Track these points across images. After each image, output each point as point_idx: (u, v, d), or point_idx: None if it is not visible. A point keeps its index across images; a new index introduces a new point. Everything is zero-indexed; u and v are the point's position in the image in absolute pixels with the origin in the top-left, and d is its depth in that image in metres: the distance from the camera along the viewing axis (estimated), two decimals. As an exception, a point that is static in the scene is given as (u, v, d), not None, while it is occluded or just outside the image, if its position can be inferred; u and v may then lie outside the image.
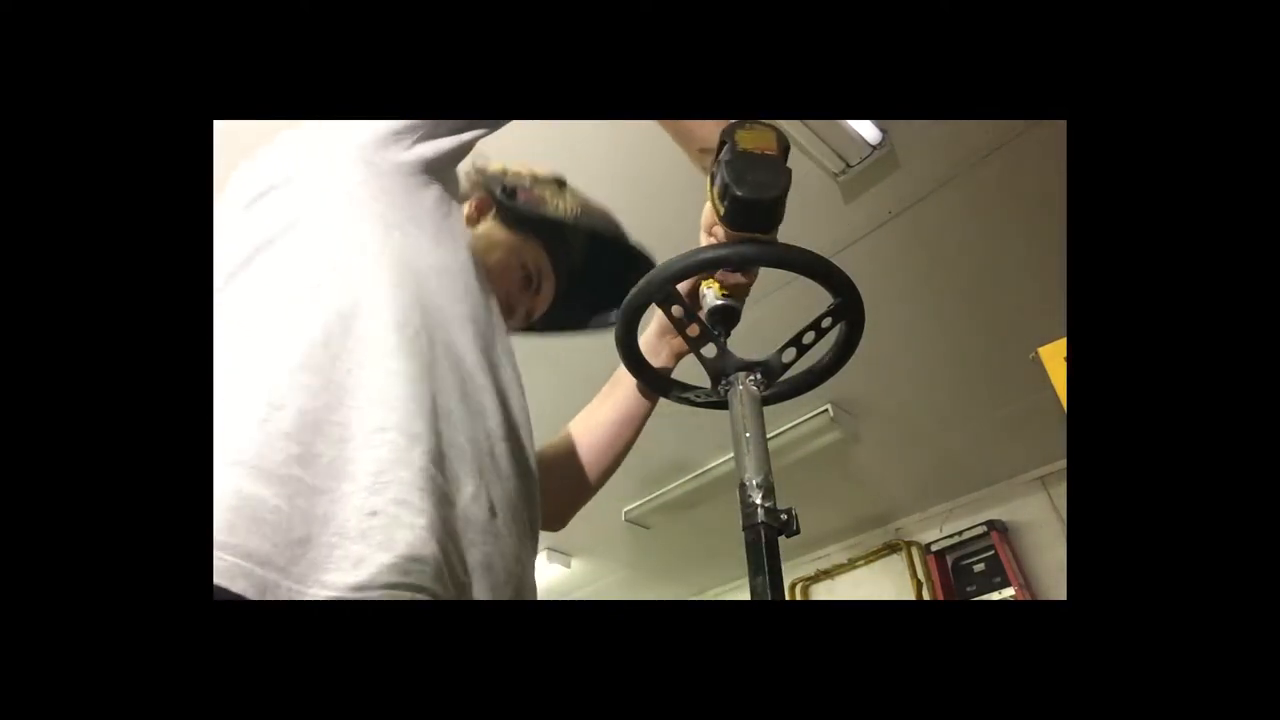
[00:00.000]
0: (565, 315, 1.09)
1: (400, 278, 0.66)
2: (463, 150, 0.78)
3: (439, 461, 0.59)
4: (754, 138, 0.71)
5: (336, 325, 0.59)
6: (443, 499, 0.57)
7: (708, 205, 0.79)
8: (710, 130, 0.73)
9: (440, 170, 0.76)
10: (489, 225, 0.98)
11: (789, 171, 0.70)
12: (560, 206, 1.00)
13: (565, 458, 1.01)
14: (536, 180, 1.02)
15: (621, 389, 1.02)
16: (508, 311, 0.98)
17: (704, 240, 0.81)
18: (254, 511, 0.47)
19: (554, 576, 4.06)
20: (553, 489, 0.96)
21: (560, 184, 1.03)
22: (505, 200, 0.98)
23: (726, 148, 0.72)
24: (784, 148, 0.72)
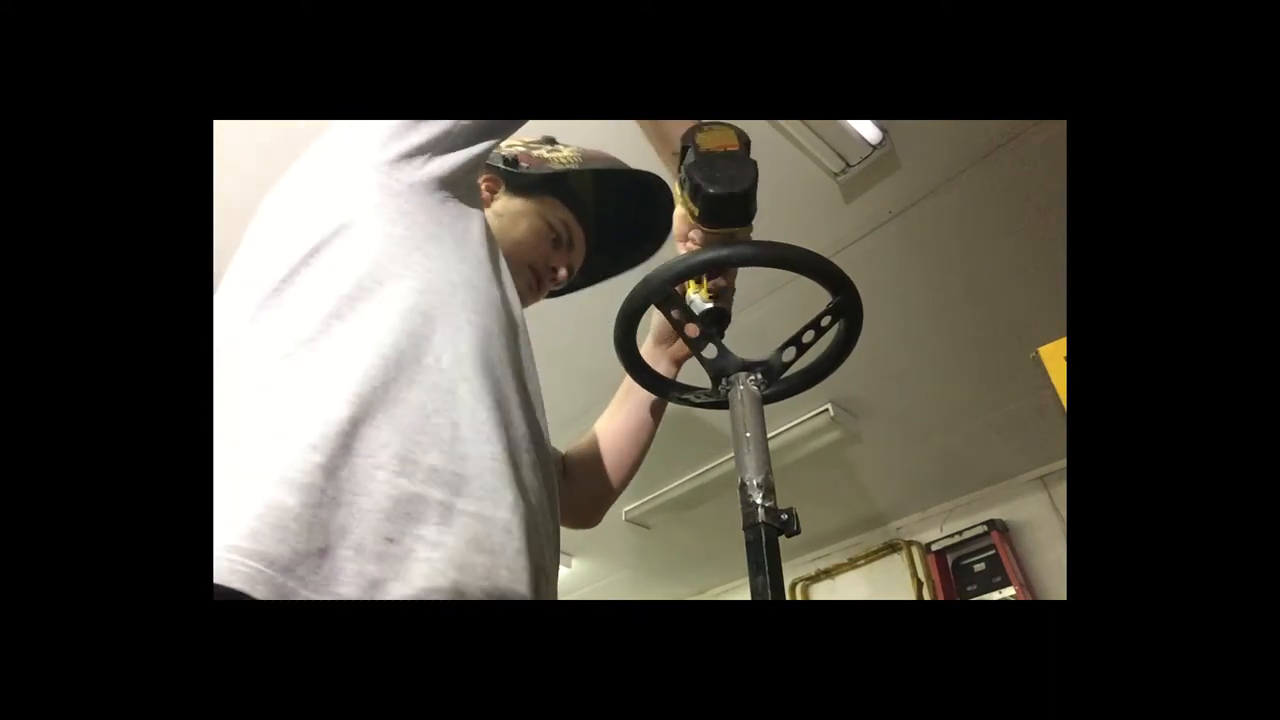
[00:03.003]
0: (598, 262, 1.12)
1: (424, 301, 0.66)
2: (475, 163, 0.78)
3: (458, 488, 0.59)
4: (715, 137, 0.72)
5: (356, 349, 0.60)
6: (464, 527, 0.57)
7: (679, 213, 0.80)
8: (679, 133, 0.73)
9: (455, 185, 0.76)
10: (504, 201, 1.00)
11: (754, 163, 0.71)
12: (561, 158, 1.02)
13: (593, 462, 1.04)
14: (529, 144, 1.04)
15: (635, 397, 1.04)
16: (550, 276, 1.01)
17: (681, 249, 0.82)
18: (279, 519, 0.48)
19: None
20: (583, 491, 1.02)
21: (551, 140, 1.06)
22: (510, 170, 1.00)
23: (690, 151, 0.72)
24: (745, 142, 0.72)
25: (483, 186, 0.99)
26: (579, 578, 4.22)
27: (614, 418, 1.06)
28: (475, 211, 0.80)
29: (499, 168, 1.00)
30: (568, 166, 1.01)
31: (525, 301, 1.01)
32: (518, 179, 1.00)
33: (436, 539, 0.55)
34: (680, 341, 1.01)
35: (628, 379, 1.01)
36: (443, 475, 0.58)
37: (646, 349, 1.02)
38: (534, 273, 1.00)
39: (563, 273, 1.02)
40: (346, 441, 0.55)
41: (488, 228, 0.81)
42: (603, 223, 1.10)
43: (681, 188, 0.75)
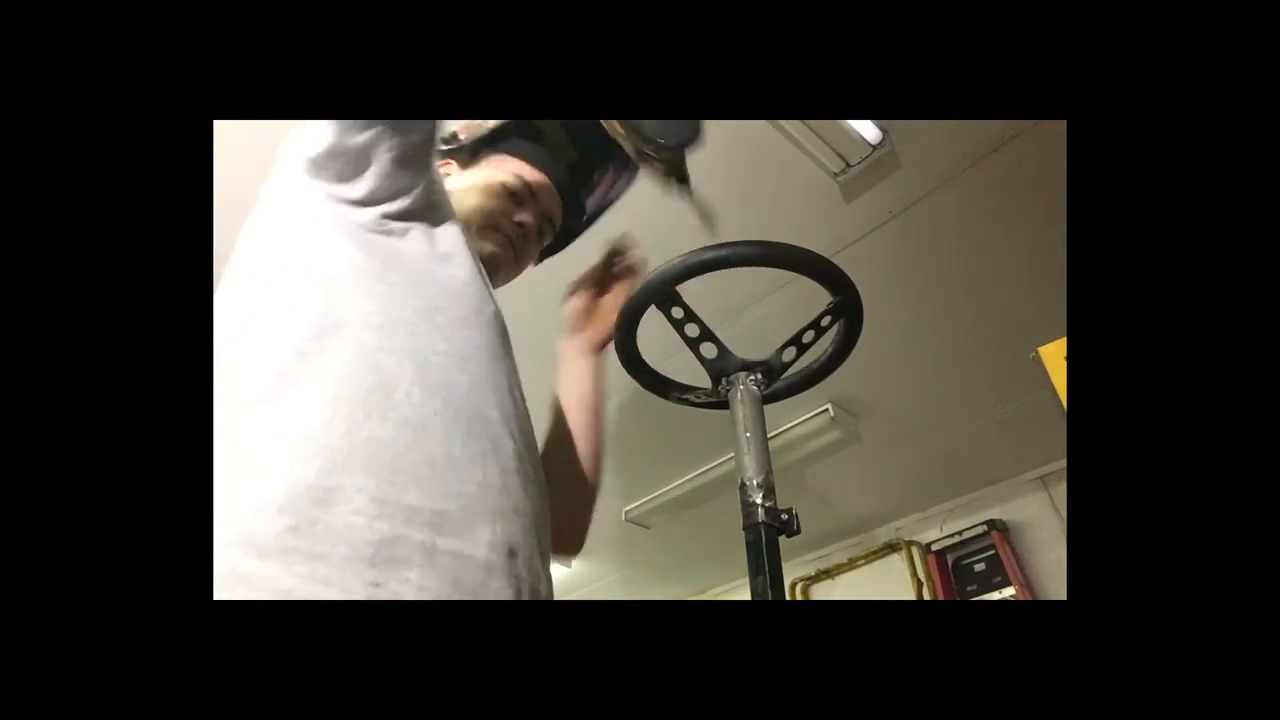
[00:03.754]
0: (581, 203, 1.10)
1: (387, 336, 0.64)
2: (428, 183, 0.76)
3: (439, 526, 0.57)
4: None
5: (320, 393, 0.58)
6: (446, 568, 0.55)
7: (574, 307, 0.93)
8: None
9: (411, 213, 0.74)
10: (456, 178, 0.99)
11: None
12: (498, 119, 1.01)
13: (561, 479, 0.96)
14: (465, 124, 1.04)
15: (566, 374, 1.01)
16: (517, 231, 0.98)
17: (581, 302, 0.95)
18: (245, 593, 0.46)
19: (555, 577, 4.06)
20: (562, 513, 0.90)
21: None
22: (454, 145, 1.00)
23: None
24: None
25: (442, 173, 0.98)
26: (578, 578, 4.22)
27: (565, 413, 1.00)
28: (442, 224, 0.78)
29: (442, 149, 1.00)
30: (501, 122, 1.00)
31: (510, 271, 0.99)
32: (460, 153, 1.01)
33: (421, 582, 0.53)
34: (597, 327, 1.01)
35: (558, 357, 1.00)
36: (423, 514, 0.56)
37: (562, 346, 1.01)
38: (502, 234, 0.97)
39: (527, 220, 0.98)
40: (318, 495, 0.53)
41: (460, 233, 0.79)
42: (580, 163, 1.07)
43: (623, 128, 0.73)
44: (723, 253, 0.77)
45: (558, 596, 0.75)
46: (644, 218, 1.18)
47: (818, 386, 0.92)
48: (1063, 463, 3.38)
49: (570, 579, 4.19)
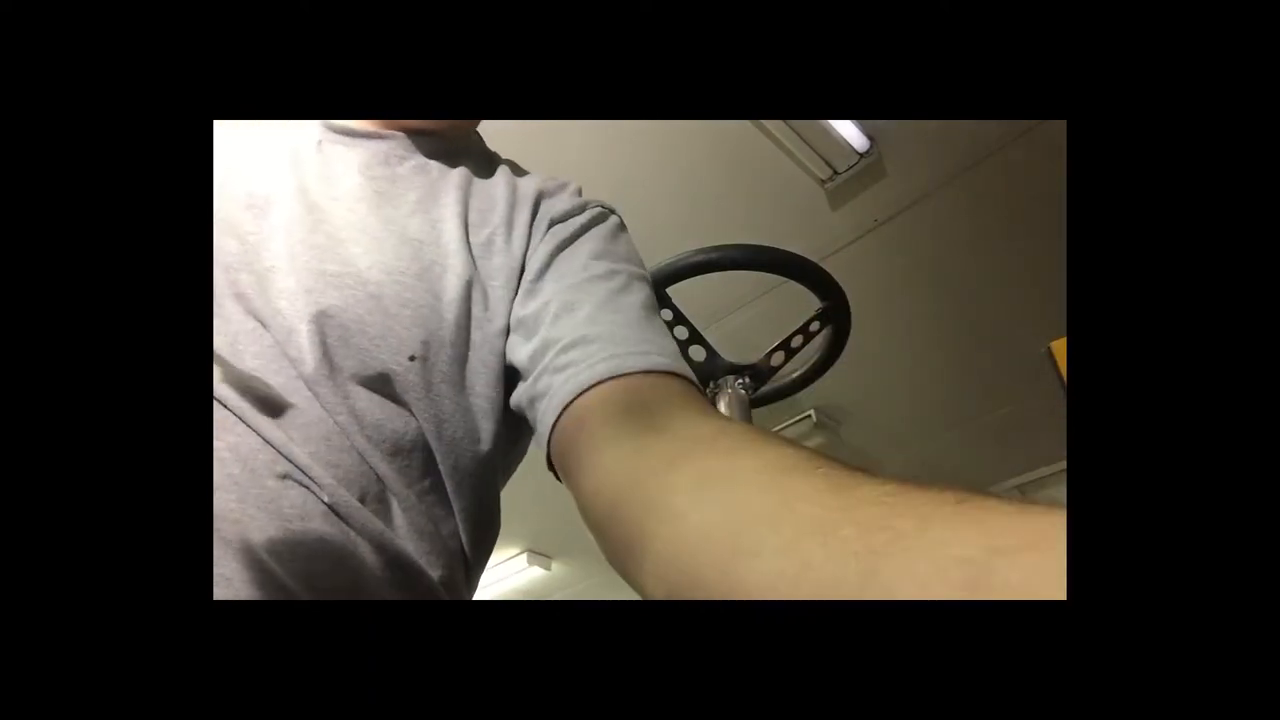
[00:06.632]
0: None
1: None
2: None
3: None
4: None
5: None
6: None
7: None
8: None
9: None
10: None
11: None
12: None
13: None
14: None
15: None
16: None
17: None
18: None
19: (534, 578, 4.04)
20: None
21: None
22: None
23: None
24: None
25: None
26: (558, 580, 4.20)
27: None
28: None
29: None
30: None
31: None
32: None
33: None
34: None
35: None
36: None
37: None
38: None
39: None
40: None
41: None
42: None
43: None
44: (713, 255, 0.77)
45: (539, 597, 0.74)
46: (628, 219, 1.18)
47: (801, 392, 0.92)
48: (1042, 470, 3.42)
49: (550, 581, 4.18)
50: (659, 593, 0.36)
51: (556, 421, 0.49)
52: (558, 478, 0.51)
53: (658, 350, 0.50)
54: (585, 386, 0.48)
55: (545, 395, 0.50)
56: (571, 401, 0.48)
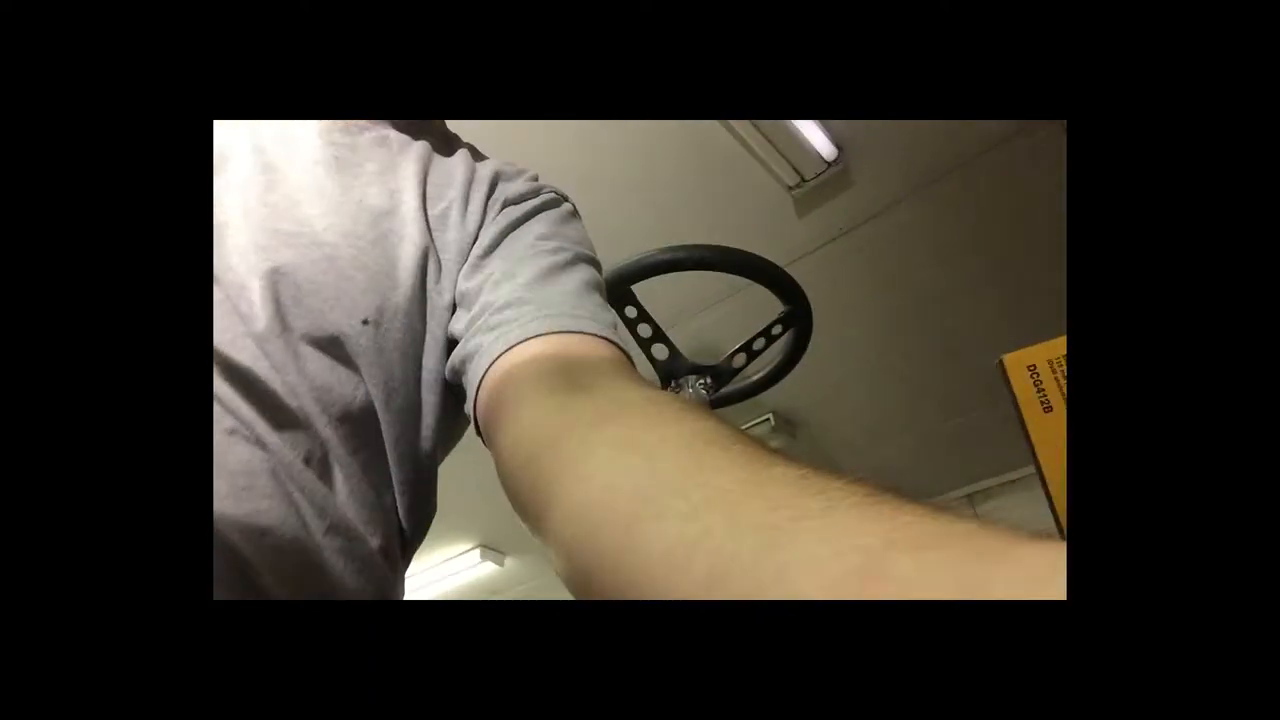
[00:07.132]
0: None
1: None
2: None
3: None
4: None
5: None
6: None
7: None
8: None
9: None
10: None
11: None
12: None
13: None
14: None
15: None
16: None
17: None
18: None
19: (487, 574, 4.00)
20: None
21: None
22: None
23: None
24: None
25: None
26: (511, 576, 4.17)
27: None
28: None
29: None
30: None
31: None
32: None
33: None
34: None
35: None
36: None
37: None
38: None
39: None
40: None
41: None
42: None
43: None
44: (680, 255, 0.77)
45: (489, 596, 0.73)
46: (600, 217, 1.18)
47: (759, 395, 0.93)
48: (989, 481, 3.49)
49: (503, 578, 4.14)
50: (560, 545, 0.36)
51: (484, 376, 0.48)
52: (484, 442, 0.51)
53: (592, 318, 0.50)
54: (515, 342, 0.47)
55: (476, 354, 0.50)
56: (500, 355, 0.48)
